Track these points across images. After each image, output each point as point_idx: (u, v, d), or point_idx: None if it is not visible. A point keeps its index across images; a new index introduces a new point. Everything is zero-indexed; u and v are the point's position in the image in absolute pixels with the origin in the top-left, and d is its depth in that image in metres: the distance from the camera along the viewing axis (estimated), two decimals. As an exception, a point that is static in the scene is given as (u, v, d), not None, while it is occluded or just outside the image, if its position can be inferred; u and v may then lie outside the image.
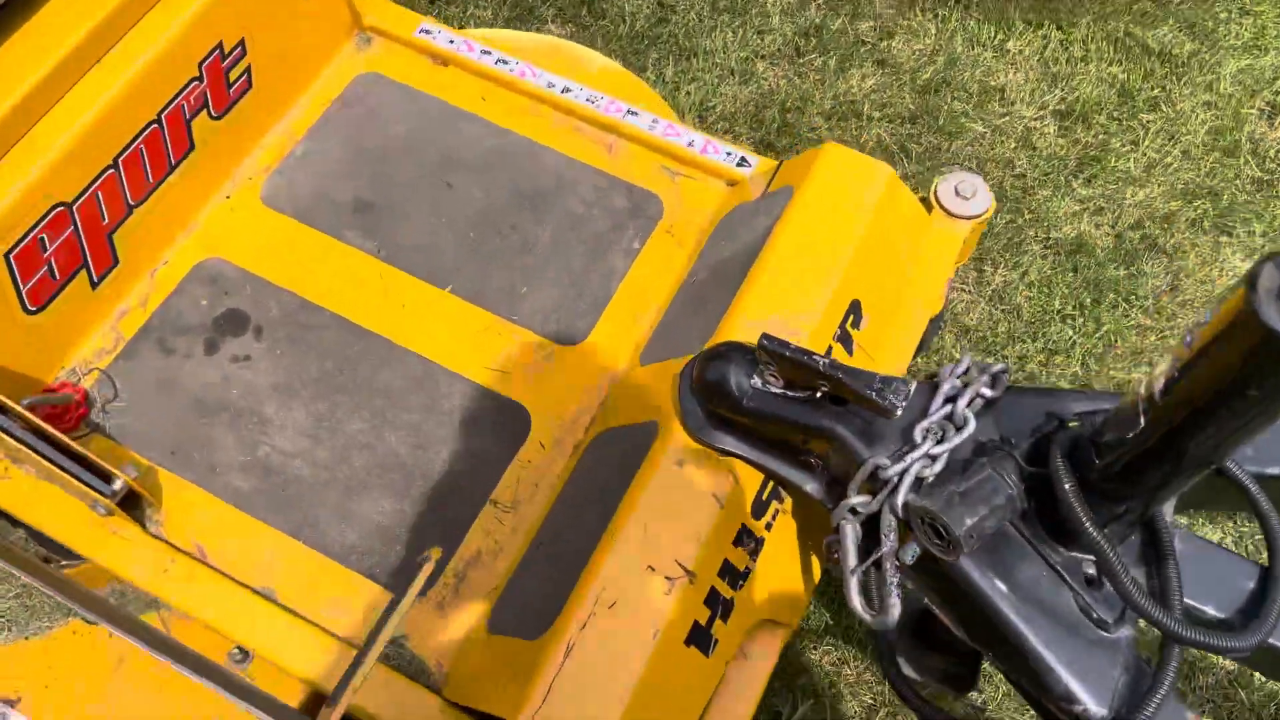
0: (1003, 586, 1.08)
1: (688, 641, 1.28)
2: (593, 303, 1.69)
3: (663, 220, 1.77)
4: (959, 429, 1.15)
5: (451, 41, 1.90)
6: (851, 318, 1.51)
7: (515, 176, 1.80)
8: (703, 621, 1.30)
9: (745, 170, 1.79)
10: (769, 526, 1.38)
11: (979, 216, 1.70)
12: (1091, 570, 1.10)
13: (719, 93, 2.61)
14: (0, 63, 1.46)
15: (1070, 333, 2.27)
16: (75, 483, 1.37)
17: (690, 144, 1.81)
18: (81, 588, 1.49)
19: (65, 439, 1.38)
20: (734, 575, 1.34)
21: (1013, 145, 2.55)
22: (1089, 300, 2.31)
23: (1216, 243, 2.40)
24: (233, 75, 1.72)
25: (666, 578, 1.28)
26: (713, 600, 1.31)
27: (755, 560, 1.36)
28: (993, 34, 2.69)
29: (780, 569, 1.40)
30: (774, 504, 1.39)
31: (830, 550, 1.24)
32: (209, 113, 1.70)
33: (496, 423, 1.59)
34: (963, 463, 1.16)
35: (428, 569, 1.25)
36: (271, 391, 1.60)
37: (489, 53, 1.90)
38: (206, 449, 1.54)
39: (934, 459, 1.14)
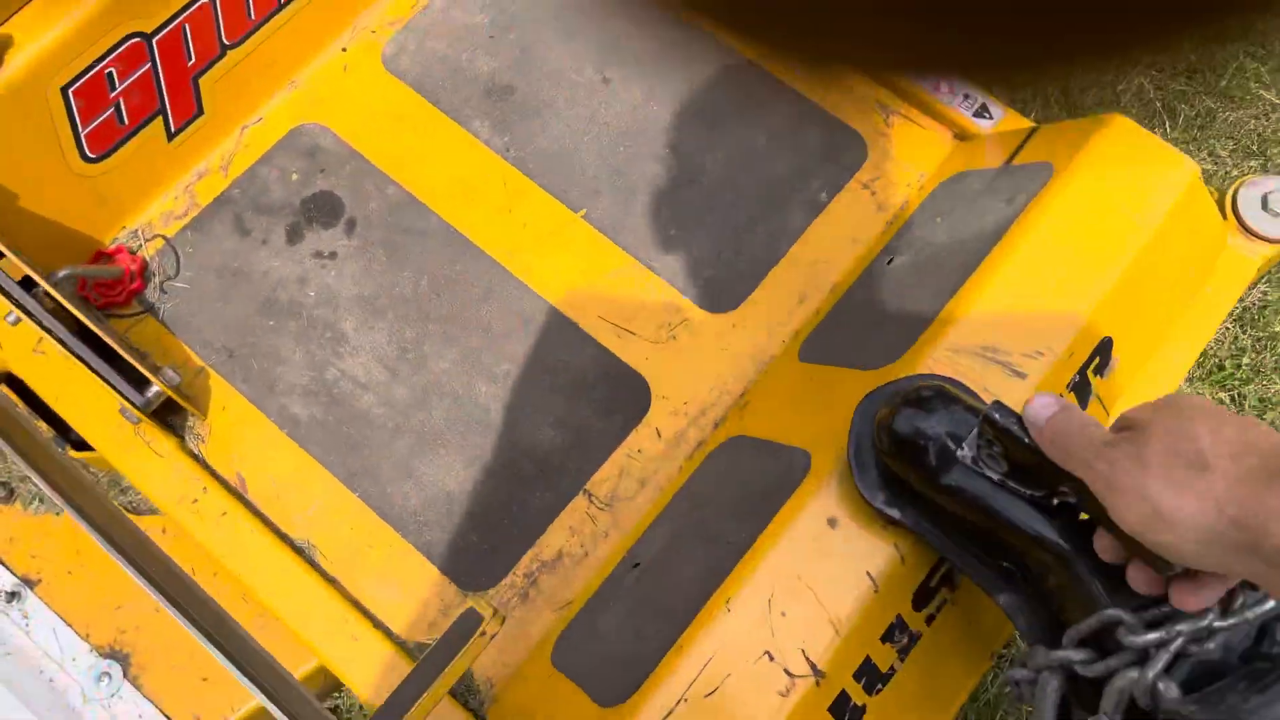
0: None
1: (796, 756, 0.99)
2: (753, 264, 1.34)
3: (863, 170, 1.39)
4: (1261, 600, 0.80)
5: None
6: (1098, 360, 1.12)
7: (690, 83, 1.43)
8: (821, 732, 1.00)
9: (984, 124, 1.37)
10: (930, 620, 1.06)
11: (1287, 241, 1.27)
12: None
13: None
14: None
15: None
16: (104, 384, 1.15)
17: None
18: (76, 477, 1.29)
19: (96, 329, 1.14)
20: (874, 677, 1.02)
21: (1310, 128, 2.02)
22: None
23: None
24: (369, -101, 1.38)
25: (787, 672, 0.98)
26: (840, 707, 1.00)
27: (904, 660, 1.04)
28: (1317, -20, 2.12)
29: (932, 671, 1.08)
30: (943, 591, 1.06)
31: (1015, 688, 0.91)
32: (333, -58, 1.38)
33: (608, 393, 1.28)
34: (1240, 653, 0.81)
35: (479, 642, 0.97)
36: (354, 303, 1.32)
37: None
38: (269, 359, 1.29)
39: (1212, 634, 0.79)
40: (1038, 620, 0.92)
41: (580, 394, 1.29)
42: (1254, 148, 2.01)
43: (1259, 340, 1.85)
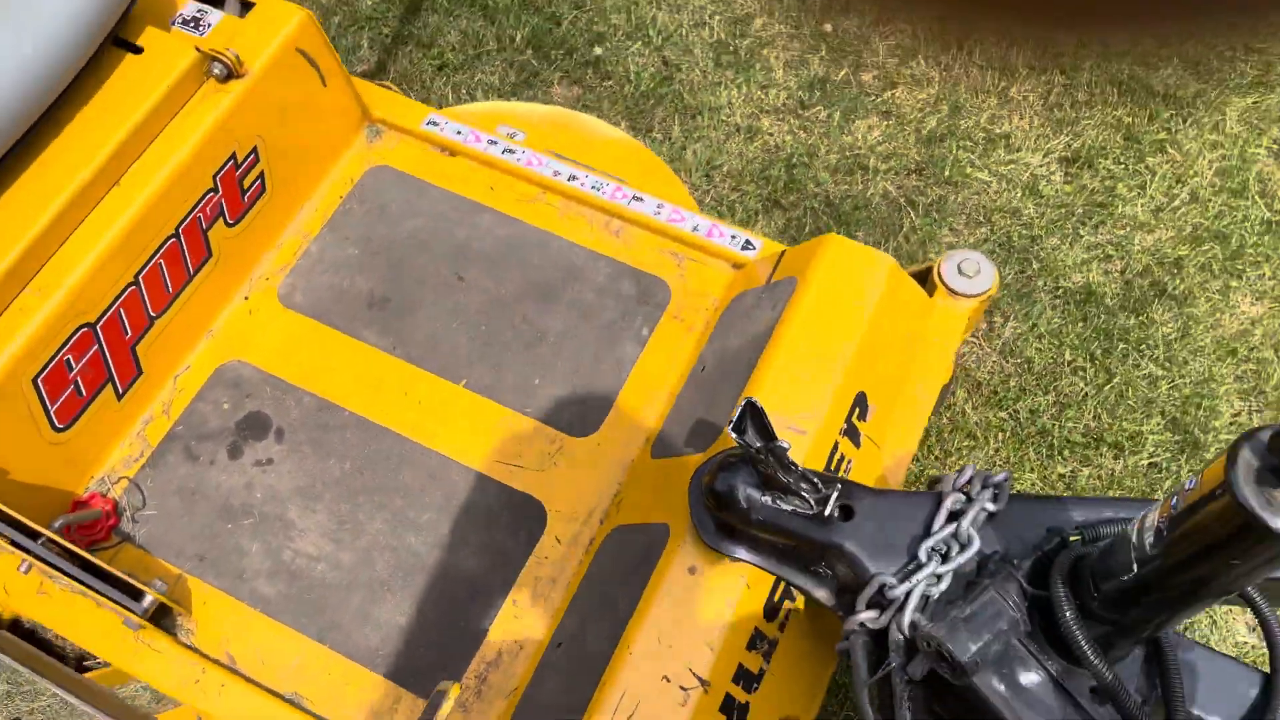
0: (1010, 699, 1.10)
1: (704, 749, 1.31)
2: (605, 393, 1.72)
3: (670, 306, 1.80)
4: (964, 547, 1.18)
5: (459, 133, 1.94)
6: (858, 410, 1.53)
7: (525, 267, 1.84)
8: (718, 727, 1.32)
9: (749, 254, 1.81)
10: (782, 627, 1.41)
11: (983, 294, 1.72)
12: (1092, 681, 1.13)
13: (725, 150, 2.64)
14: (18, 195, 1.52)
15: (1082, 384, 2.28)
16: (107, 601, 1.42)
17: (695, 228, 1.84)
18: (95, 689, 1.55)
19: (95, 561, 1.42)
20: (748, 679, 1.36)
21: (1019, 193, 2.56)
22: (1099, 351, 2.32)
23: (1226, 287, 2.40)
24: (246, 182, 1.76)
25: (681, 688, 1.31)
26: (728, 707, 1.34)
27: (769, 661, 1.39)
28: (996, 80, 2.70)
29: (794, 666, 1.42)
30: (786, 603, 1.41)
31: (843, 658, 1.26)
32: (225, 220, 1.75)
33: (512, 518, 1.62)
34: (966, 580, 1.18)
35: (446, 707, 1.29)
36: (294, 494, 1.64)
37: (495, 143, 1.93)
38: (233, 555, 1.59)
39: (939, 578, 1.17)
40: (845, 602, 1.29)
41: (491, 523, 1.62)
42: (980, 218, 2.53)
43: (1018, 365, 2.32)
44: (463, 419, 1.70)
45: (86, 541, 1.58)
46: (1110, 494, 2.13)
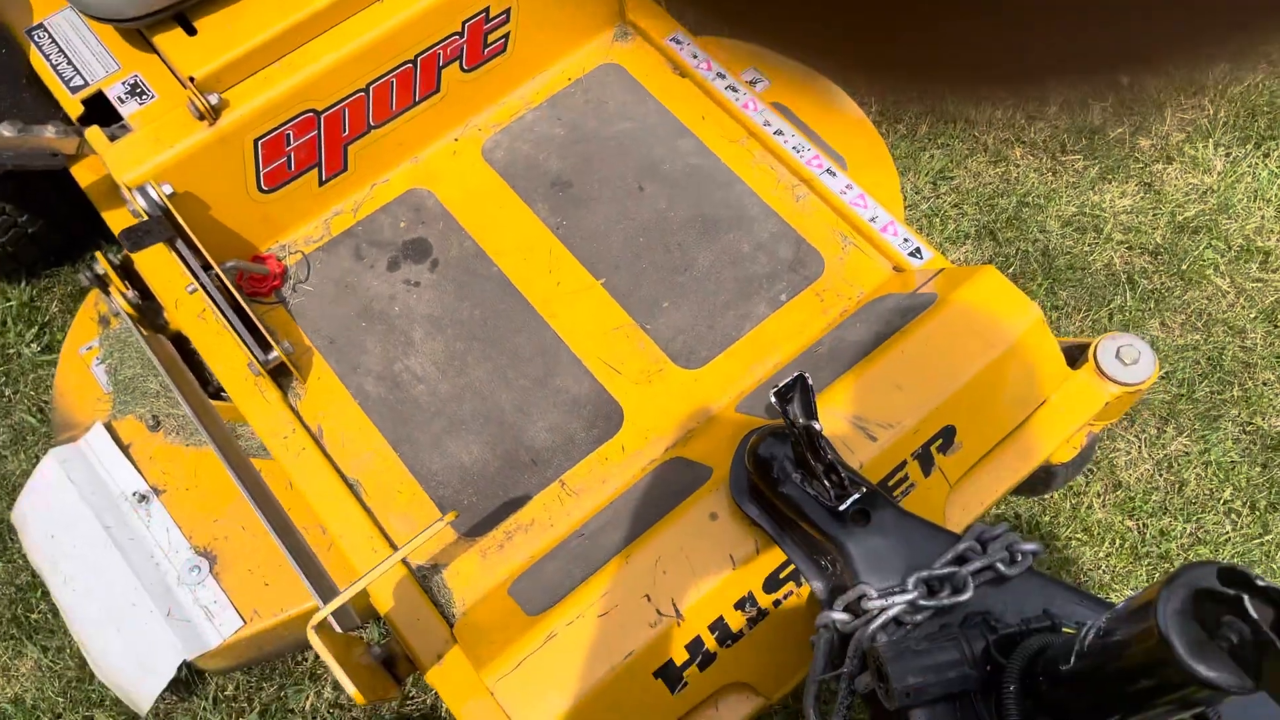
0: (930, 743, 1.10)
1: (657, 674, 1.38)
2: (721, 338, 1.77)
3: (818, 282, 1.82)
4: (955, 591, 1.17)
5: (695, 56, 2.01)
6: (940, 440, 1.51)
7: (701, 199, 1.90)
8: (678, 661, 1.38)
9: (915, 261, 1.79)
10: (778, 604, 1.44)
11: (1131, 386, 1.63)
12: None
13: (964, 165, 2.57)
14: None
15: (1229, 528, 2.10)
16: (242, 343, 1.65)
17: (873, 219, 1.83)
18: (214, 416, 1.79)
19: (245, 305, 1.64)
20: (725, 633, 1.41)
21: (1254, 315, 2.35)
22: (1265, 503, 2.13)
23: None
24: (491, 37, 1.91)
25: (658, 611, 1.37)
26: (695, 647, 1.39)
27: (752, 627, 1.43)
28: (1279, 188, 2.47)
29: (776, 644, 1.45)
30: (790, 585, 1.44)
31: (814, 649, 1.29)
32: (460, 64, 1.91)
33: (593, 414, 1.72)
34: (943, 623, 1.18)
35: (436, 527, 1.42)
36: (425, 319, 1.81)
37: (723, 76, 1.99)
38: (356, 349, 1.78)
39: (917, 609, 1.17)
40: (832, 602, 1.30)
41: (573, 411, 1.73)
42: (1199, 324, 2.34)
43: (1170, 482, 2.16)
44: (588, 312, 1.80)
45: (251, 290, 1.82)
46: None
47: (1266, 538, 2.08)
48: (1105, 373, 1.64)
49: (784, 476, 1.31)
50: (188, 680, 2.02)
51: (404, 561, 1.60)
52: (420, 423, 1.72)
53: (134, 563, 1.90)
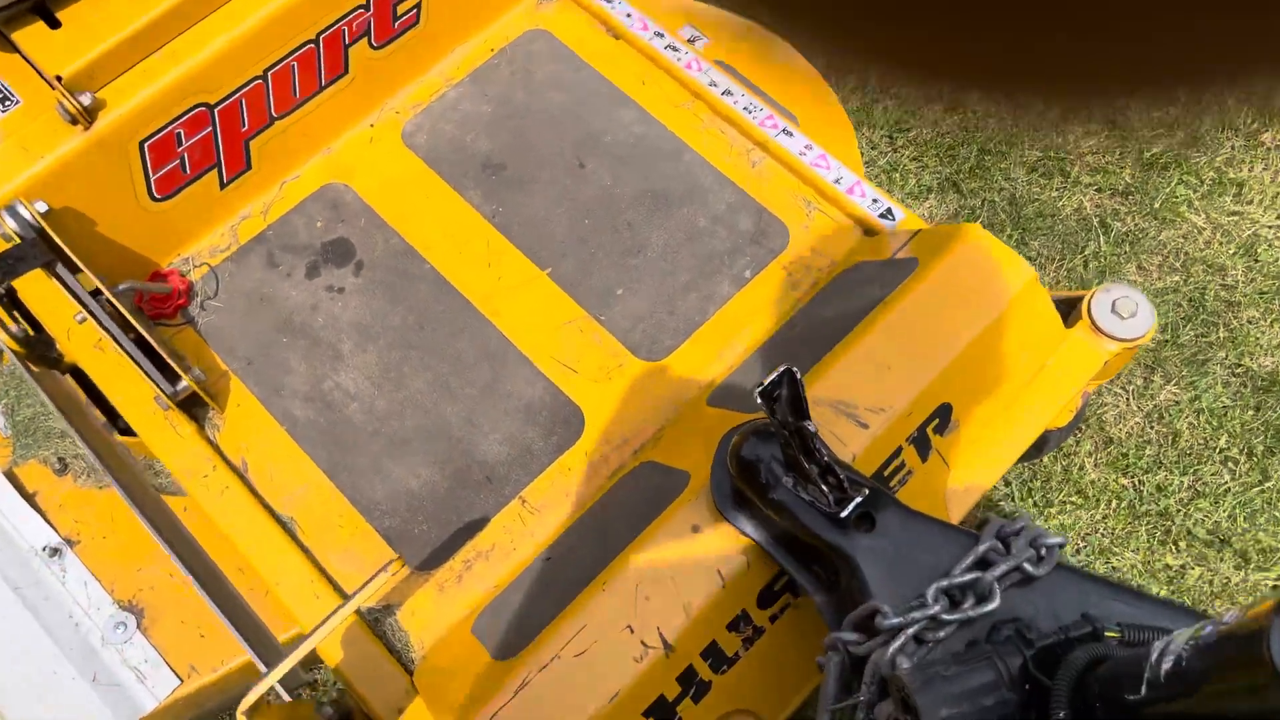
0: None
1: (647, 714, 1.22)
2: (684, 324, 1.61)
3: (784, 254, 1.66)
4: (980, 600, 1.03)
5: (629, 15, 1.83)
6: (937, 421, 1.36)
7: (649, 172, 1.73)
8: (669, 696, 1.23)
9: (888, 224, 1.64)
10: (774, 619, 1.29)
11: (1133, 340, 1.50)
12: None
13: (920, 115, 2.42)
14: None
15: (1228, 478, 2.00)
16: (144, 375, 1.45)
17: (838, 180, 1.68)
18: (121, 456, 1.59)
19: (146, 333, 1.44)
20: (719, 659, 1.26)
21: (1232, 250, 2.24)
22: (1262, 448, 2.03)
23: None
24: (401, 8, 1.71)
25: (643, 643, 1.22)
26: (687, 678, 1.24)
27: (748, 648, 1.28)
28: (1249, 120, 2.36)
29: (775, 664, 1.31)
30: (786, 597, 1.29)
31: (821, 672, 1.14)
32: (369, 41, 1.71)
33: (550, 420, 1.55)
34: (970, 639, 1.03)
35: (383, 579, 1.24)
36: (353, 329, 1.62)
37: (661, 35, 1.81)
38: (279, 369, 1.59)
39: (940, 624, 1.03)
40: (837, 618, 1.16)
41: (528, 418, 1.56)
42: (1177, 264, 2.23)
43: (1163, 434, 2.06)
44: (535, 307, 1.63)
45: (154, 312, 1.61)
46: (1216, 604, 1.87)
47: (1267, 484, 1.98)
48: (1102, 329, 1.51)
49: (773, 481, 1.16)
50: (125, 748, 1.82)
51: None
52: (358, 446, 1.54)
53: (50, 626, 1.70)
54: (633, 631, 1.22)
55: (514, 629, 1.31)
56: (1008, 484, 1.99)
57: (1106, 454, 2.03)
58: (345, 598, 1.40)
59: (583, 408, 1.56)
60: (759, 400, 1.04)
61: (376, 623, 1.42)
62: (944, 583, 1.03)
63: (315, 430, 1.55)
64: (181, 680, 1.67)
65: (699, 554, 1.26)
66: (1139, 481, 2.01)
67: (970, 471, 1.41)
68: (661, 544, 1.26)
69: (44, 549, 1.74)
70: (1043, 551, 1.05)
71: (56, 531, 1.76)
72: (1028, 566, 1.04)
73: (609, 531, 1.37)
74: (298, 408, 1.56)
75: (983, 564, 1.05)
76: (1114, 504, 1.98)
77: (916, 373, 1.34)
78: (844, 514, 1.09)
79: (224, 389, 1.57)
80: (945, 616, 1.01)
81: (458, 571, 1.45)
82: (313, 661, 1.72)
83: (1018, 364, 1.43)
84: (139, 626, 1.70)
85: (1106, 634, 0.99)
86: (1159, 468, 2.03)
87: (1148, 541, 1.94)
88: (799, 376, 1.04)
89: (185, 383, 1.47)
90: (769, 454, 1.17)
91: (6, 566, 1.73)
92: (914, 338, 1.36)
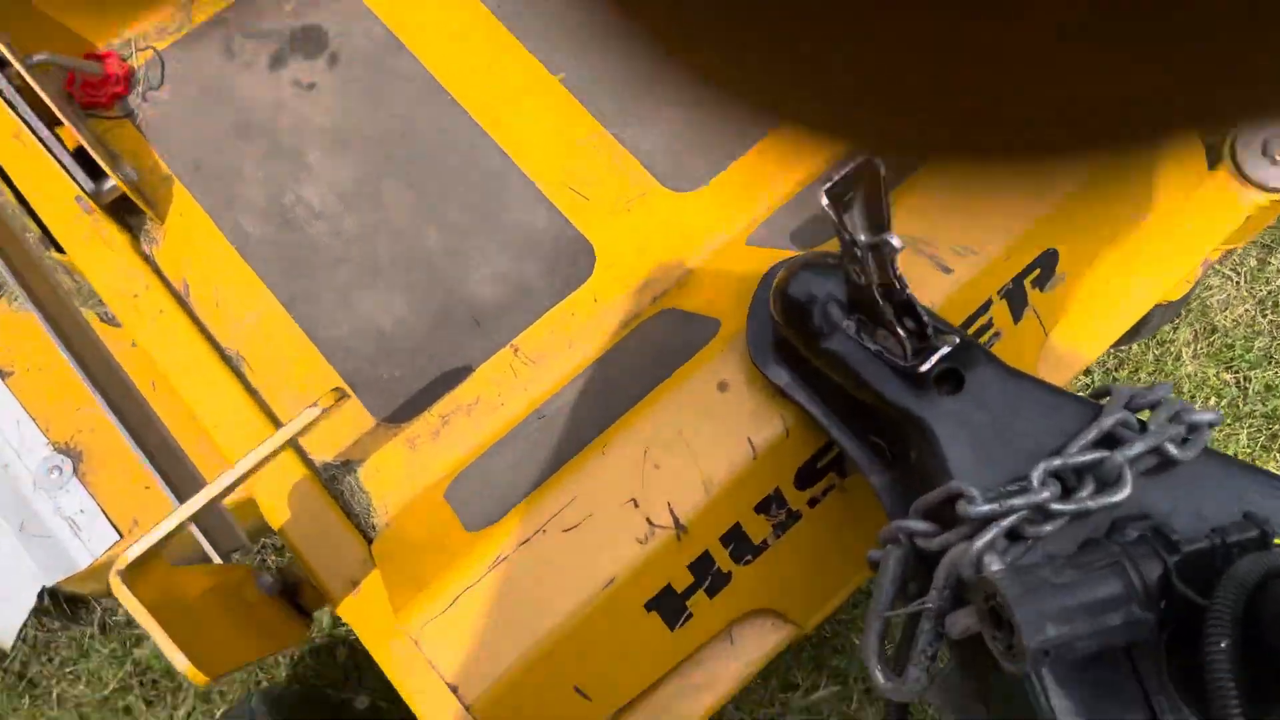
0: (1075, 727, 0.71)
1: (650, 605, 0.99)
2: (724, 148, 1.31)
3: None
4: (1104, 487, 0.76)
5: None
6: (1038, 271, 1.08)
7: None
8: (678, 587, 0.99)
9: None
10: (814, 502, 1.04)
11: (1283, 192, 1.20)
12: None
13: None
14: None
15: (1349, 381, 1.71)
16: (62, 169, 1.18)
17: None
18: (43, 272, 1.35)
19: (59, 114, 1.17)
20: (743, 545, 1.01)
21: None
22: (1395, 350, 1.73)
23: None
24: None
25: (649, 521, 0.97)
26: (702, 567, 1.00)
27: (780, 537, 1.03)
28: None
29: (811, 558, 1.06)
30: (831, 477, 1.04)
31: (873, 569, 0.89)
32: None
33: (553, 256, 1.28)
34: (1085, 539, 0.77)
35: (311, 414, 0.99)
36: (323, 134, 1.34)
37: None
38: (231, 176, 1.32)
39: (1047, 516, 0.76)
40: (902, 503, 0.90)
41: (526, 253, 1.28)
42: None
43: (1276, 327, 1.75)
44: (543, 118, 1.34)
45: (86, 100, 1.34)
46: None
47: (1397, 390, 1.69)
48: (1247, 174, 1.20)
49: (830, 327, 0.89)
50: (65, 606, 1.63)
51: (303, 455, 1.19)
52: (321, 273, 1.28)
53: (-25, 466, 1.48)
54: (637, 506, 0.97)
55: (495, 498, 1.06)
56: (1089, 373, 1.71)
57: (1208, 344, 1.74)
58: (309, 462, 1.17)
59: (594, 243, 1.28)
60: (825, 203, 0.76)
61: (332, 481, 1.18)
62: (1056, 462, 0.77)
63: (271, 251, 1.29)
64: (121, 535, 1.45)
65: (726, 417, 1.00)
66: (1244, 378, 1.72)
67: (1071, 340, 1.13)
68: (680, 402, 1.00)
69: (-30, 379, 1.51)
70: (1189, 429, 0.78)
71: (-13, 361, 1.53)
72: (1170, 448, 0.77)
73: (616, 388, 1.11)
74: (251, 223, 1.30)
75: (1109, 441, 0.78)
76: (1213, 401, 1.69)
77: (1019, 207, 1.05)
78: (924, 368, 0.82)
79: (164, 196, 1.31)
80: (1055, 506, 0.75)
81: (433, 426, 1.20)
82: (260, 532, 1.50)
83: (1139, 205, 1.13)
84: (76, 472, 1.48)
85: (1278, 539, 0.72)
86: (1268, 363, 1.73)
87: (1248, 446, 1.66)
88: (882, 171, 0.75)
89: (112, 181, 1.20)
90: (825, 292, 0.90)
91: (-73, 397, 1.50)
92: (1018, 162, 1.07)
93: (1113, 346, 1.68)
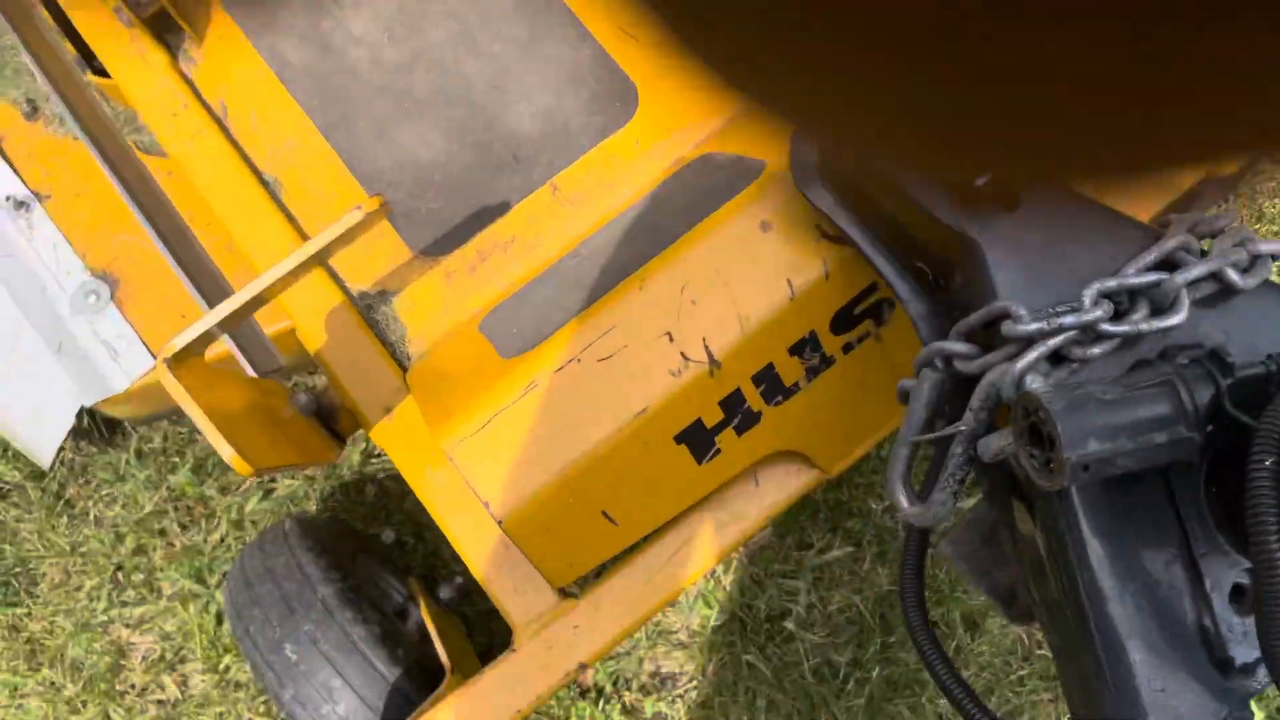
0: (1107, 553, 0.73)
1: (679, 438, 1.00)
2: None
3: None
4: (1160, 312, 0.76)
5: None
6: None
7: None
8: (708, 422, 1.00)
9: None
10: (849, 348, 1.04)
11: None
12: (1243, 579, 0.74)
13: None
14: None
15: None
16: (99, -25, 1.16)
17: None
18: (88, 94, 1.34)
19: (97, -82, 1.14)
20: (774, 386, 1.02)
21: None
22: None
23: None
24: None
25: (683, 355, 0.98)
26: (732, 404, 1.01)
27: (811, 381, 1.03)
28: None
29: (841, 403, 1.07)
30: (867, 324, 1.03)
31: (902, 399, 0.90)
32: None
33: (595, 94, 1.25)
34: (1134, 363, 0.77)
35: (355, 216, 0.99)
36: (364, -41, 1.30)
37: None
38: (271, -2, 1.29)
39: (1098, 338, 0.76)
40: (940, 333, 0.89)
41: (569, 89, 1.26)
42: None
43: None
44: (592, -49, 1.29)
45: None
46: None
47: None
48: None
49: None
50: (102, 430, 1.68)
51: (339, 283, 1.20)
52: (360, 102, 1.26)
53: (14, 287, 1.50)
54: (672, 340, 0.98)
55: (530, 329, 1.07)
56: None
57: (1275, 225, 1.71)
58: (345, 288, 1.18)
59: (638, 83, 1.25)
60: None
61: (369, 309, 1.19)
62: (1110, 283, 0.76)
63: (310, 77, 1.26)
64: (157, 361, 1.48)
65: (766, 256, 0.99)
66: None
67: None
68: (720, 240, 1.00)
69: (8, 199, 1.52)
70: (1252, 258, 0.77)
71: (25, 183, 1.54)
72: (1230, 273, 0.76)
73: (656, 229, 1.10)
74: (291, 48, 1.27)
75: (1168, 265, 0.77)
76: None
77: None
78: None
79: (203, 15, 1.28)
80: (1106, 327, 0.75)
81: (470, 261, 1.20)
82: (300, 366, 1.52)
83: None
84: (113, 297, 1.50)
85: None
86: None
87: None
88: None
89: (154, -8, 1.18)
90: None
91: (-34, 214, 1.51)
92: None
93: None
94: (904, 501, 0.79)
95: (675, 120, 1.23)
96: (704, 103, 1.24)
